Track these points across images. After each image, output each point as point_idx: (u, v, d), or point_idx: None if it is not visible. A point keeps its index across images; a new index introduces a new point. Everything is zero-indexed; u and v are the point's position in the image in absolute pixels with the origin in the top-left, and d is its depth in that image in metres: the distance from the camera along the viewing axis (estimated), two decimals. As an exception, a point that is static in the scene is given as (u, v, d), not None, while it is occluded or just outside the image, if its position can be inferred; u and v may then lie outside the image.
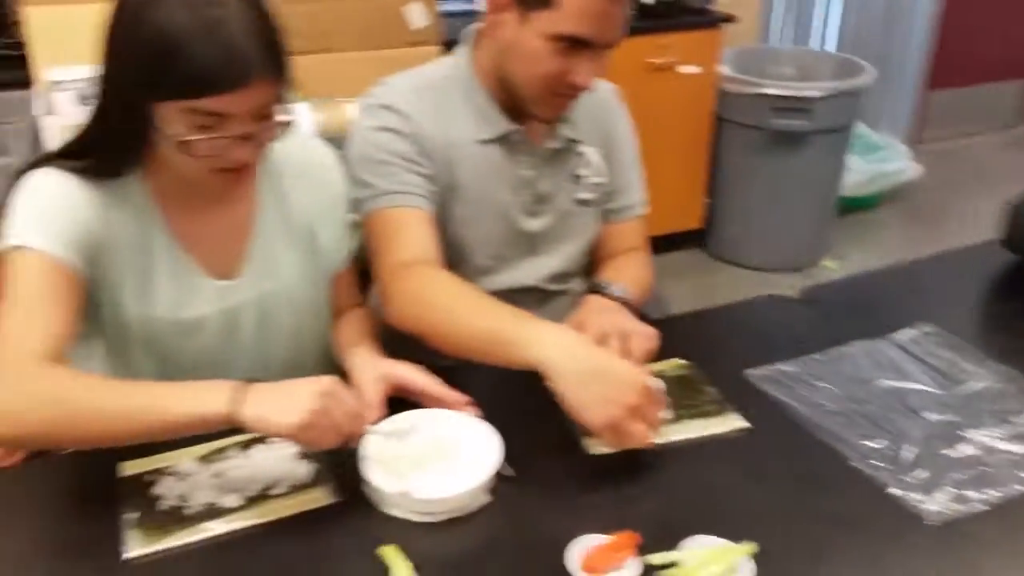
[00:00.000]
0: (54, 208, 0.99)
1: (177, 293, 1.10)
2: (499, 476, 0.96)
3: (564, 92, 1.20)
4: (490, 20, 1.21)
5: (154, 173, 1.06)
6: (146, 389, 0.91)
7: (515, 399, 1.12)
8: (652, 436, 0.98)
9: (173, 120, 0.95)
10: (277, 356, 1.20)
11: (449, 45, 2.25)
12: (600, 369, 0.96)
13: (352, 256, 1.25)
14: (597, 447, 1.04)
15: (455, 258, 1.27)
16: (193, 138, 0.95)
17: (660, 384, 1.04)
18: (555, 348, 0.98)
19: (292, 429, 0.88)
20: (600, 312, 1.16)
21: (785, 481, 1.00)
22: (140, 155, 1.04)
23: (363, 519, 0.93)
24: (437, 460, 0.98)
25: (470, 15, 2.84)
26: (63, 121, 1.90)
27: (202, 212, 1.11)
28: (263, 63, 0.94)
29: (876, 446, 1.05)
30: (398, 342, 1.17)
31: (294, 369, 1.21)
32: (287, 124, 1.03)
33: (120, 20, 0.95)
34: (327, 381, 0.92)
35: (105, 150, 1.02)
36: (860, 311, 1.38)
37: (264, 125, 1.00)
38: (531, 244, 1.35)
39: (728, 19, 2.97)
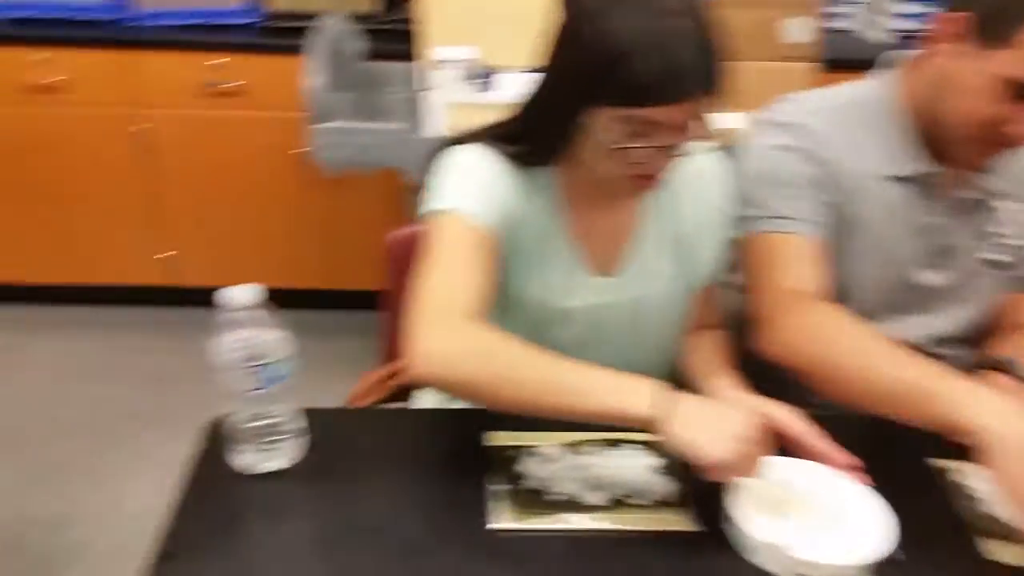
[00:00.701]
0: (486, 182, 1.05)
1: (560, 282, 1.12)
2: (888, 558, 0.86)
3: (996, 141, 1.06)
4: (933, 49, 1.10)
5: (566, 168, 1.09)
6: (573, 369, 0.91)
7: (899, 470, 1.00)
8: None
9: (607, 126, 0.97)
10: (635, 361, 1.18)
11: (831, 64, 2.14)
12: None
13: (721, 273, 1.21)
14: (995, 553, 0.90)
15: (834, 296, 1.18)
16: (623, 145, 0.97)
17: None
18: (997, 416, 0.86)
19: (715, 460, 0.85)
20: (1013, 396, 1.01)
21: None
22: (562, 150, 1.07)
23: (725, 558, 0.88)
24: (814, 520, 0.90)
25: (846, 33, 2.67)
26: (443, 97, 2.05)
27: (597, 209, 1.12)
28: (703, 77, 0.94)
29: None
30: (757, 372, 1.11)
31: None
32: (707, 136, 1.01)
33: (573, 24, 0.98)
34: (753, 418, 0.88)
35: (535, 141, 1.06)
36: None
37: (687, 136, 0.99)
38: (922, 299, 1.22)
39: None
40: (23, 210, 2.52)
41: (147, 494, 2.01)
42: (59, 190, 2.50)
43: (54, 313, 2.64)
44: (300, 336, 0.92)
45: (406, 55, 2.26)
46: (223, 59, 2.36)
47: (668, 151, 1.00)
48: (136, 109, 2.40)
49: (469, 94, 2.06)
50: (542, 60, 1.02)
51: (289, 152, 2.39)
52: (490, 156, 1.07)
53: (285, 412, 0.96)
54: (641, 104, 0.94)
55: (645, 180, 1.04)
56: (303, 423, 0.99)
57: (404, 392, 1.42)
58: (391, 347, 1.47)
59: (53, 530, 1.92)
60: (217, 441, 0.99)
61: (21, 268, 2.60)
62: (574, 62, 0.97)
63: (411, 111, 2.13)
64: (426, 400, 1.30)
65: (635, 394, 0.88)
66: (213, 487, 0.95)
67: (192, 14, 2.41)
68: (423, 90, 2.11)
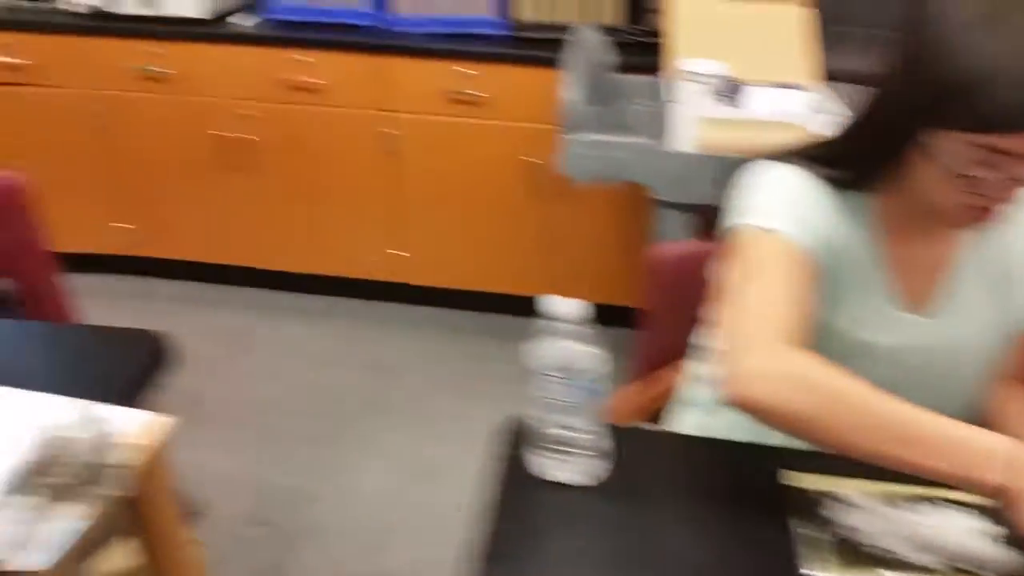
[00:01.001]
0: (804, 203, 1.01)
1: (869, 316, 1.05)
2: None
3: None
4: None
5: (886, 193, 1.02)
6: (910, 413, 0.85)
7: None
8: None
9: (953, 151, 0.89)
10: (938, 410, 1.07)
11: None
12: None
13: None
14: None
15: None
16: (968, 173, 0.89)
17: None
18: None
19: None
20: None
21: None
22: (888, 174, 1.00)
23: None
24: None
25: None
26: (691, 111, 2.00)
27: (914, 240, 1.04)
28: None
29: None
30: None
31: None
32: None
33: (924, 39, 0.91)
34: None
35: (861, 162, 1.01)
36: None
37: None
38: None
39: None
40: (274, 199, 2.71)
41: (377, 479, 2.11)
42: (307, 184, 2.67)
43: (289, 299, 2.83)
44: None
45: (649, 67, 2.23)
46: (470, 69, 2.42)
47: (1016, 183, 0.91)
48: (385, 113, 2.52)
49: (717, 108, 2.01)
50: (875, 77, 0.96)
51: (531, 163, 2.43)
52: (805, 176, 1.02)
53: (589, 427, 0.94)
54: (999, 131, 0.86)
55: (982, 212, 0.95)
56: (609, 443, 0.98)
57: (656, 412, 1.38)
58: (645, 365, 1.44)
59: (294, 506, 2.05)
60: (515, 441, 1.00)
61: (265, 253, 2.80)
62: (924, 81, 0.90)
63: (657, 125, 2.10)
64: (682, 422, 1.26)
65: (987, 456, 0.80)
66: (514, 490, 0.96)
67: (444, 23, 2.49)
68: (670, 103, 2.07)
